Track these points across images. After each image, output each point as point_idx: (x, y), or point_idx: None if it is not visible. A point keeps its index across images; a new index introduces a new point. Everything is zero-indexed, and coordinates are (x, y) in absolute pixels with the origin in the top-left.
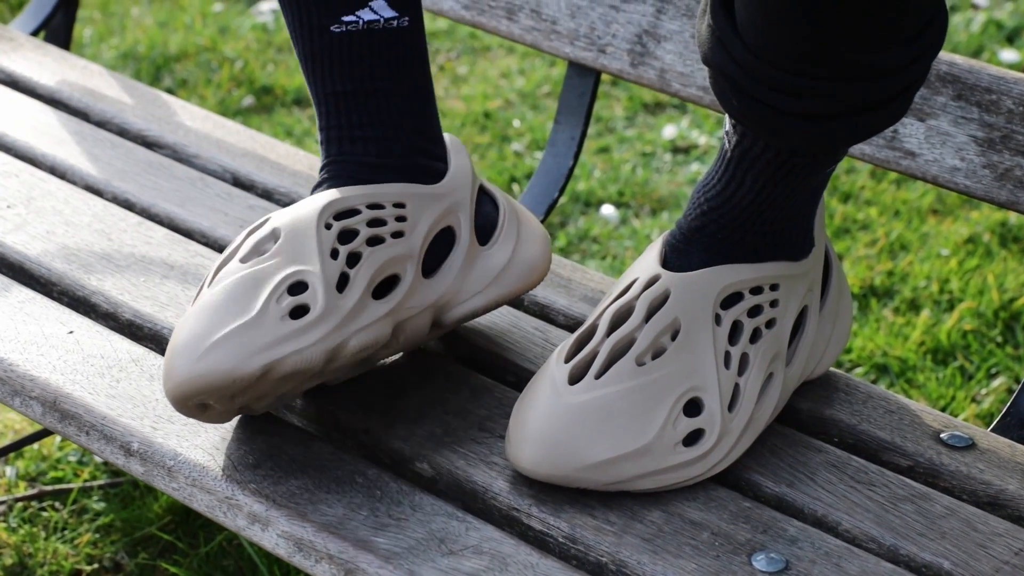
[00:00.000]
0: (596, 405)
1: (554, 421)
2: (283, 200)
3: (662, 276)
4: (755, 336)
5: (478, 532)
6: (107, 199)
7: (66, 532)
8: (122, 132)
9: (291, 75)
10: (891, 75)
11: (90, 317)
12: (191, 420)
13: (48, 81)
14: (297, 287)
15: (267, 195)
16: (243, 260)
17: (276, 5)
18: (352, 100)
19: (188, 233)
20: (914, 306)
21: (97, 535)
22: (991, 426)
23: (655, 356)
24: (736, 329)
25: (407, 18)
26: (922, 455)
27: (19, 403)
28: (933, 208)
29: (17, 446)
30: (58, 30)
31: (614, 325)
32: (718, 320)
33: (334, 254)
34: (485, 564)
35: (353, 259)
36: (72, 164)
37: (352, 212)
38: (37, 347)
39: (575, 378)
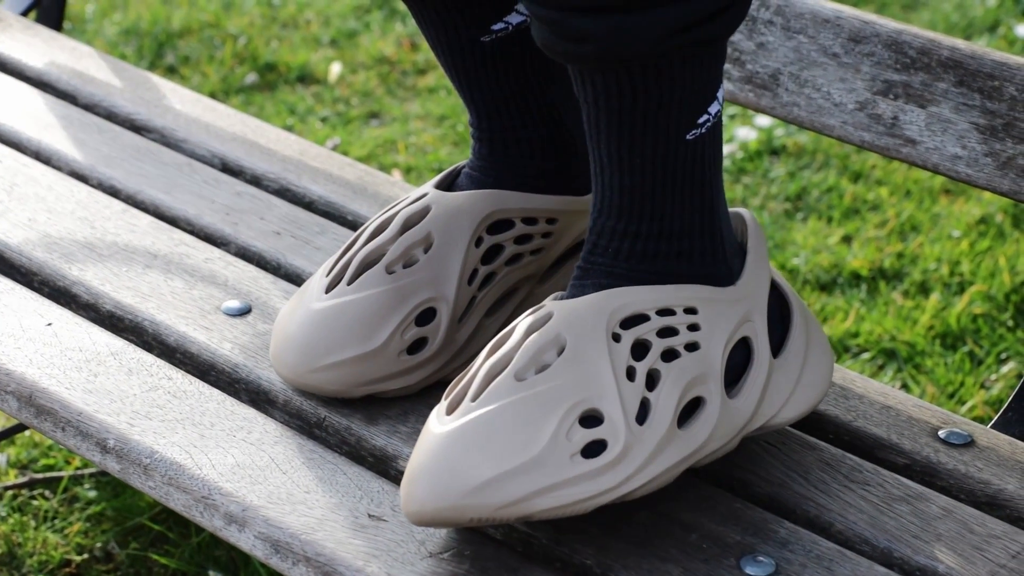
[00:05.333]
0: (474, 425)
1: (431, 454)
2: (272, 186)
3: (546, 304)
4: (669, 356)
5: (459, 534)
6: (92, 185)
7: (56, 521)
8: (110, 116)
9: (295, 52)
10: None
11: (70, 308)
12: (169, 416)
13: (37, 63)
14: (424, 316)
15: (256, 181)
16: (389, 270)
17: None
18: (512, 103)
19: (173, 221)
20: (924, 289)
21: (88, 524)
22: (992, 422)
23: (538, 371)
24: (642, 347)
25: None
26: (919, 453)
27: None
28: (945, 188)
29: (2, 436)
30: (50, 10)
31: (492, 351)
32: (616, 338)
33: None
34: (466, 568)
35: (485, 282)
36: (58, 149)
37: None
38: (14, 340)
39: (452, 407)
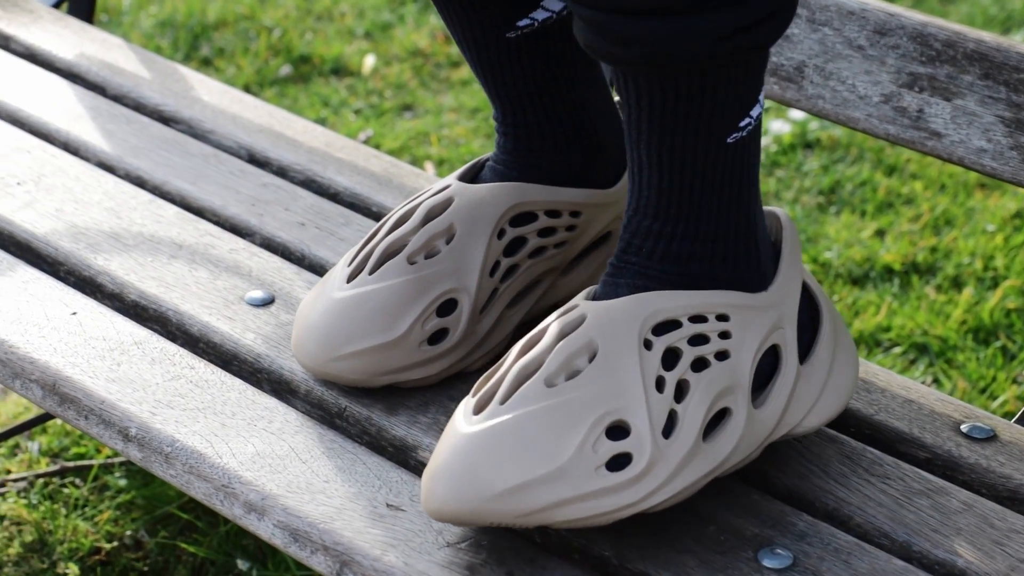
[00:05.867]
0: (501, 430)
1: (456, 453)
2: (297, 178)
3: (580, 305)
4: (700, 365)
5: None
6: (119, 176)
7: (87, 509)
8: (138, 107)
9: (329, 44)
10: None
11: (95, 298)
12: (191, 405)
13: (67, 55)
14: (445, 307)
15: (282, 172)
16: (411, 260)
17: None
18: (537, 98)
19: (199, 211)
20: (957, 283)
21: (118, 512)
22: (1016, 417)
23: (569, 378)
24: (673, 356)
25: None
26: (940, 447)
27: (19, 386)
28: (980, 182)
29: (28, 425)
30: (81, 2)
31: (523, 351)
32: (648, 345)
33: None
34: (483, 558)
35: (507, 274)
36: (86, 140)
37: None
38: (39, 328)
39: (480, 407)
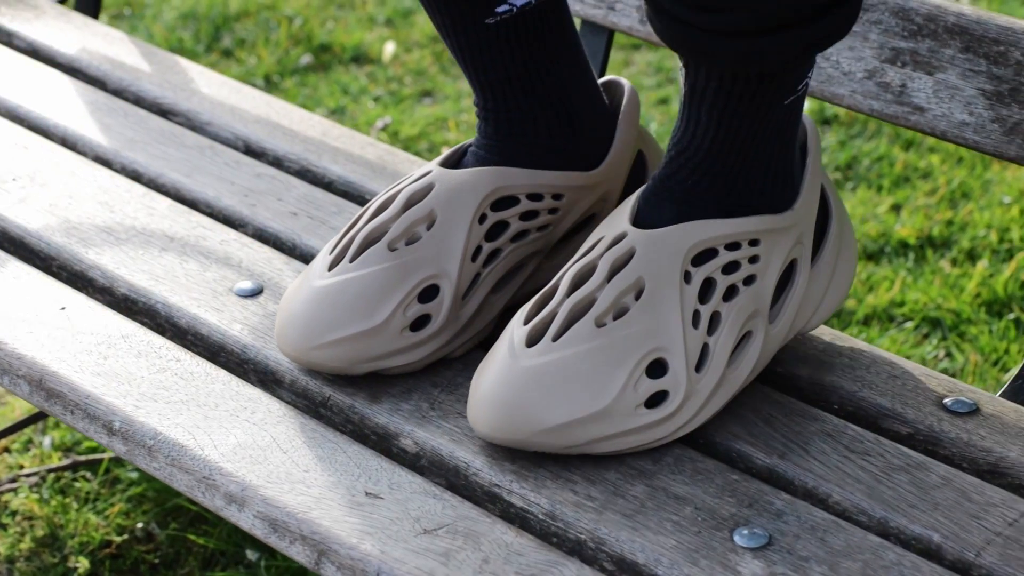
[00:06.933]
0: (553, 368)
1: (510, 385)
2: (292, 167)
3: (628, 234)
4: (730, 294)
5: (454, 510)
6: (115, 170)
7: (98, 503)
8: (138, 100)
9: (350, 32)
10: None
11: (86, 292)
12: (175, 398)
13: (69, 49)
14: (427, 293)
15: (277, 163)
16: (391, 247)
17: None
18: (517, 82)
19: (193, 203)
20: (972, 257)
21: (128, 505)
22: (1000, 391)
23: (616, 317)
24: (708, 287)
25: None
26: (922, 422)
27: (8, 382)
28: None
29: (32, 420)
30: None
31: (575, 285)
32: (687, 278)
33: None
34: (459, 543)
35: (490, 258)
36: (83, 135)
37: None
38: (27, 324)
39: (533, 340)
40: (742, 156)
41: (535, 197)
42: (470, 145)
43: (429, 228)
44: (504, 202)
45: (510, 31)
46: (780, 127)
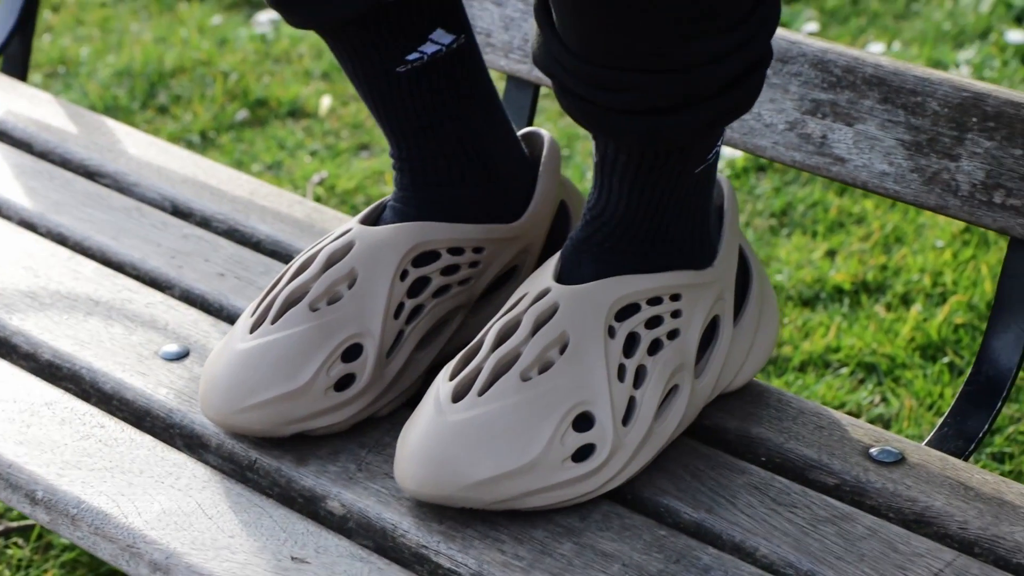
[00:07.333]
0: (479, 423)
1: (436, 440)
2: (220, 227)
3: (552, 289)
4: (654, 348)
5: (381, 573)
6: (41, 233)
7: (31, 570)
8: (64, 162)
9: (286, 86)
10: (713, 63)
11: (10, 359)
12: (99, 465)
13: None
14: (350, 352)
15: (205, 223)
16: (313, 307)
17: (276, 15)
18: (431, 131)
19: (119, 266)
20: (906, 301)
21: (62, 571)
22: (926, 439)
23: (542, 371)
24: (632, 341)
25: (464, 35)
26: (849, 472)
27: None
28: None
29: None
30: (15, 58)
31: (500, 340)
32: (611, 332)
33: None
34: None
35: (412, 315)
36: (8, 198)
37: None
38: None
39: (459, 395)
40: (656, 221)
41: (456, 251)
42: (389, 200)
43: (351, 287)
44: (425, 257)
45: (422, 80)
46: (693, 193)
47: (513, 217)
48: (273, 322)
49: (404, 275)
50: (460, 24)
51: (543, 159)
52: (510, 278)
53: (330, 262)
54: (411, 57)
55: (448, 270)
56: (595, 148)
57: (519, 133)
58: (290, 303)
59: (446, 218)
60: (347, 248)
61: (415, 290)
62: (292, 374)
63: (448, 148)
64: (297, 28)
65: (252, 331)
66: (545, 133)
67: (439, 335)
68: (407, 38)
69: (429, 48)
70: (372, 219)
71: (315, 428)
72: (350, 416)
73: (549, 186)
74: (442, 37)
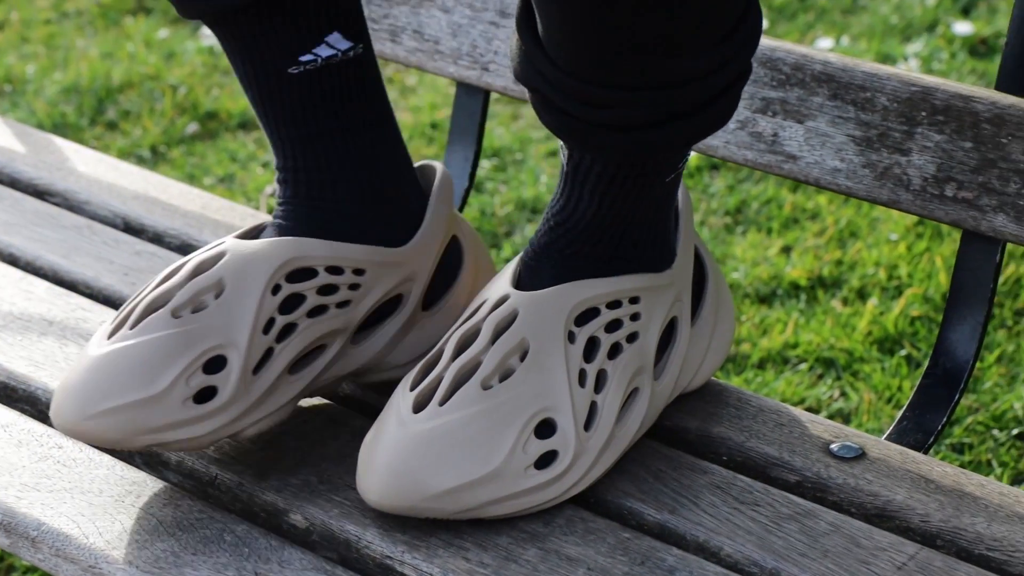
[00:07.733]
0: (440, 432)
1: (398, 451)
2: (173, 243)
3: (511, 296)
4: (614, 351)
5: None
6: None
7: None
8: (13, 182)
9: (236, 99)
10: (697, 80)
11: None
12: (58, 486)
13: None
14: (213, 364)
15: (157, 239)
16: (175, 314)
17: None
18: (319, 141)
19: (72, 285)
20: (862, 295)
21: None
22: (886, 433)
23: (503, 379)
24: (592, 345)
25: (362, 45)
26: (810, 469)
27: None
28: None
29: None
30: None
31: (460, 349)
32: (571, 338)
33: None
34: None
35: (284, 333)
36: None
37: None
38: None
39: (420, 405)
40: (621, 228)
41: (335, 271)
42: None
43: (217, 296)
44: (301, 273)
45: (313, 84)
46: (661, 200)
47: (399, 243)
48: (132, 327)
49: (276, 289)
50: (359, 32)
51: (435, 188)
52: (394, 309)
53: (198, 271)
54: (304, 58)
55: (325, 289)
56: (567, 157)
57: (415, 166)
58: (152, 309)
59: (327, 236)
60: (217, 258)
61: (288, 307)
62: (148, 380)
63: (335, 162)
64: (189, 19)
65: (110, 336)
66: (439, 165)
67: (315, 360)
68: (301, 35)
69: (324, 51)
70: (251, 235)
71: (171, 441)
72: (209, 431)
73: (439, 216)
74: (339, 42)
